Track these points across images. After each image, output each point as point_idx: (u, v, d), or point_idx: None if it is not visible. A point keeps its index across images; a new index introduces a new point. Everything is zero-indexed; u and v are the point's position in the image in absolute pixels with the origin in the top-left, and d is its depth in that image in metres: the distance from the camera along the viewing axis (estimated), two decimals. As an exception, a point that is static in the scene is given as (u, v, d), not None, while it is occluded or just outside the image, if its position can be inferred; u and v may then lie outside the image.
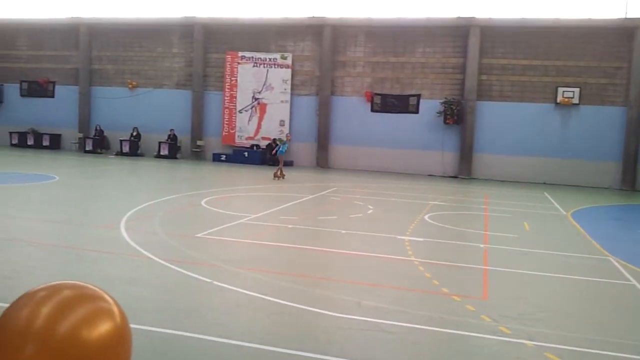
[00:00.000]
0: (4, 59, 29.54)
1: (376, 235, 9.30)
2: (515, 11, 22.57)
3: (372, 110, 24.55)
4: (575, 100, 22.03)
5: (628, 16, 21.54)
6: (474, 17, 22.85)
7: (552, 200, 16.00)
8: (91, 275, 6.13)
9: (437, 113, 23.44)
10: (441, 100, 23.43)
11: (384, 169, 23.90)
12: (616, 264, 7.85)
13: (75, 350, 1.34)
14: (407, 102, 24.25)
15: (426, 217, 11.48)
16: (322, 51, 24.93)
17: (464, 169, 23.25)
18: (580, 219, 12.43)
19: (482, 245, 8.81)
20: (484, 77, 23.19)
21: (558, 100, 22.19)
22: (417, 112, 24.06)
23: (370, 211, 11.92)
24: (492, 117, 23.06)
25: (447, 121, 23.25)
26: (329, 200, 14.01)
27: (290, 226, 9.71)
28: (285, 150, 18.68)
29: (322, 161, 24.88)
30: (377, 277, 6.69)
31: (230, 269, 6.60)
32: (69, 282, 1.57)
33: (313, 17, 24.78)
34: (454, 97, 23.38)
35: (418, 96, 24.09)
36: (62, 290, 1.43)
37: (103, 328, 1.41)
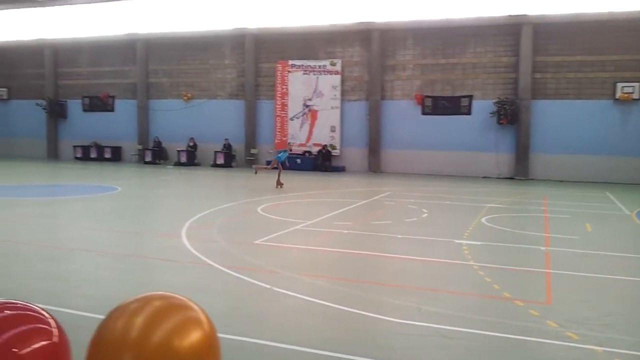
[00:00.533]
0: (67, 76, 31.03)
1: (432, 240, 9.23)
2: (568, 6, 21.87)
3: (423, 113, 24.34)
4: (636, 96, 21.16)
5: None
6: (525, 15, 22.31)
7: (615, 200, 15.40)
8: (156, 282, 6.37)
9: (491, 113, 23.00)
10: (494, 101, 22.98)
11: (437, 172, 23.64)
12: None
13: (169, 359, 1.42)
14: (458, 103, 23.91)
15: (483, 219, 11.29)
16: (370, 56, 24.94)
17: (521, 170, 22.69)
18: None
19: (543, 248, 8.60)
20: (538, 75, 22.59)
21: (617, 96, 21.37)
22: (469, 113, 23.69)
23: (425, 215, 11.83)
24: (548, 116, 22.43)
25: (501, 121, 22.78)
26: (382, 204, 13.99)
27: (345, 231, 9.77)
28: (284, 159, 17.71)
29: (374, 166, 24.84)
30: (436, 282, 6.65)
31: (288, 275, 6.71)
32: (158, 293, 1.66)
33: (361, 22, 24.83)
34: (508, 97, 22.89)
35: (470, 97, 23.72)
36: (153, 301, 1.52)
37: (194, 336, 1.48)
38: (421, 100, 24.33)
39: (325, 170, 24.40)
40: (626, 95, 21.20)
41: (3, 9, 31.79)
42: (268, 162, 25.78)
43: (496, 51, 23.41)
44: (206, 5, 27.38)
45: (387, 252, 8.31)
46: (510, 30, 22.88)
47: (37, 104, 30.79)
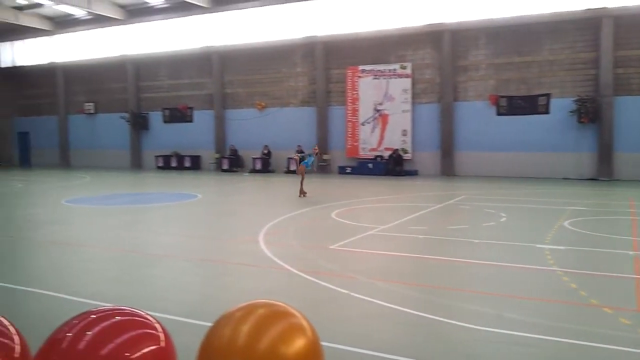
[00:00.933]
0: (148, 90, 32.65)
1: (512, 244, 9.00)
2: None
3: (498, 113, 23.70)
4: None
5: None
6: (605, 7, 21.27)
7: None
8: (237, 287, 6.62)
9: (570, 112, 22.07)
10: (574, 98, 22.03)
11: (514, 174, 22.93)
12: None
13: None
14: (535, 102, 23.11)
15: (566, 223, 10.86)
16: (442, 57, 24.60)
17: (604, 171, 21.60)
18: None
19: (632, 253, 8.17)
20: (620, 70, 21.46)
21: None
22: (547, 112, 22.84)
23: (503, 219, 11.53)
24: (633, 112, 21.25)
25: (582, 120, 21.80)
26: (458, 209, 13.75)
27: (420, 236, 9.71)
28: (312, 163, 16.43)
29: (447, 169, 24.43)
30: (516, 287, 6.49)
31: (364, 280, 6.77)
32: (261, 301, 1.75)
33: (431, 24, 24.56)
34: (588, 94, 21.87)
35: (547, 96, 22.86)
36: (257, 309, 1.62)
37: (299, 343, 1.56)
38: (496, 101, 23.70)
39: (398, 175, 24.25)
40: None
41: (89, 29, 33.93)
42: (290, 170, 26.11)
43: (574, 47, 22.44)
44: (277, 16, 28.02)
45: (464, 257, 8.18)
46: (588, 25, 21.88)
47: (121, 117, 32.58)
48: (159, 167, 31.16)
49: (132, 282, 6.99)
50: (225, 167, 28.63)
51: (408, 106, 25.31)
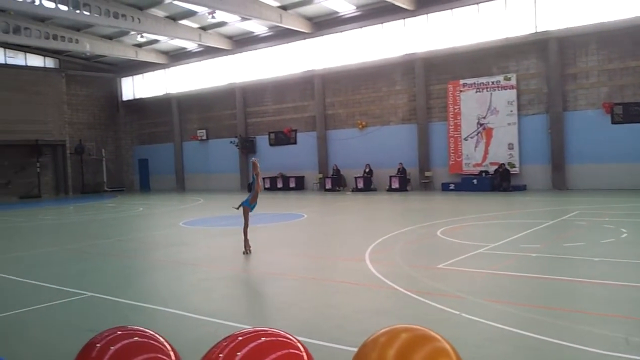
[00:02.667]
0: (255, 115, 34.22)
1: (636, 262, 8.42)
2: None
3: (613, 122, 22.24)
4: None
5: None
6: None
7: None
8: (349, 306, 6.77)
9: (699, 117, 20.21)
10: (702, 102, 20.17)
11: (633, 187, 21.32)
12: None
13: None
14: (656, 108, 21.43)
15: (698, 239, 9.98)
16: (548, 66, 23.59)
17: None
18: None
19: None
20: None
21: None
22: (671, 118, 21.07)
23: (624, 235, 10.80)
24: None
25: None
26: (572, 224, 13.06)
27: (533, 255, 9.35)
28: (252, 196, 10.79)
29: (559, 182, 23.23)
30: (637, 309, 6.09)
31: (475, 300, 6.66)
32: (403, 325, 1.84)
33: (535, 32, 23.68)
34: None
35: (670, 100, 21.12)
36: (400, 333, 1.71)
37: None
38: (610, 109, 22.27)
39: (505, 190, 23.41)
40: None
41: (200, 60, 36.27)
42: (392, 188, 25.57)
43: (700, 45, 20.61)
44: (376, 36, 28.36)
45: (582, 276, 7.79)
46: None
47: (231, 142, 34.33)
48: (265, 189, 32.37)
49: (248, 300, 7.38)
50: (328, 186, 29.20)
51: (514, 118, 24.45)
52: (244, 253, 10.60)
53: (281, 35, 31.15)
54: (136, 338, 1.93)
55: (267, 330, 1.89)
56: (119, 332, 1.92)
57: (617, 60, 22.27)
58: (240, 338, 1.81)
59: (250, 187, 12.26)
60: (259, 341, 1.82)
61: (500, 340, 5.29)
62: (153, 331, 1.96)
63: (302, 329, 5.68)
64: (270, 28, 31.32)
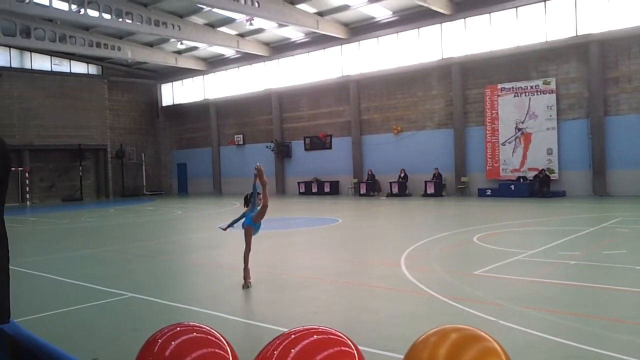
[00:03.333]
0: (291, 120, 34.53)
1: (679, 272, 8.20)
2: None
3: (660, 127, 21.59)
4: None
5: None
6: None
7: None
8: (381, 310, 6.81)
9: None
10: None
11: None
12: None
13: None
14: (702, 112, 20.74)
15: None
16: (589, 70, 23.09)
17: None
18: None
19: None
20: None
21: None
22: None
23: (665, 244, 10.51)
24: None
25: None
26: (614, 232, 12.76)
27: (572, 262, 9.20)
28: (255, 214, 8.54)
29: (599, 189, 22.68)
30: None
31: (513, 307, 6.61)
32: (452, 325, 1.91)
33: (576, 36, 23.22)
34: None
35: None
36: (450, 333, 1.79)
37: None
38: (656, 113, 21.65)
39: (543, 196, 22.98)
40: None
41: (238, 67, 36.83)
42: (427, 193, 25.23)
43: None
44: (412, 41, 28.28)
45: (624, 285, 7.63)
46: None
47: (267, 147, 34.71)
48: (300, 193, 32.60)
49: (283, 303, 7.50)
50: (362, 191, 29.21)
51: (553, 123, 24.01)
52: (243, 287, 8.31)
53: (317, 41, 31.39)
54: (195, 334, 2.04)
55: (318, 328, 1.96)
56: (179, 328, 2.04)
57: (661, 64, 21.66)
58: (293, 336, 1.89)
59: (248, 200, 8.70)
60: (312, 339, 1.88)
61: (538, 348, 5.26)
62: (209, 327, 2.07)
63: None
64: (307, 34, 31.59)
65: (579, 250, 10.32)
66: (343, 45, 30.91)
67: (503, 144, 25.43)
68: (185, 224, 19.76)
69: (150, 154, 42.25)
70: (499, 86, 25.52)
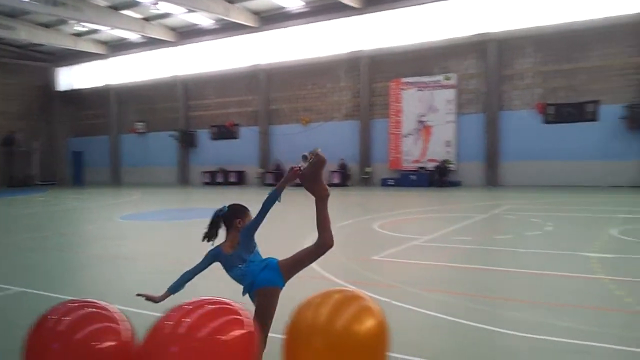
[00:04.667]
0: (197, 108, 33.68)
1: (558, 253, 8.86)
2: None
3: (545, 122, 23.28)
4: None
5: None
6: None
7: None
8: (281, 297, 6.77)
9: (620, 119, 21.46)
10: (624, 105, 21.42)
11: (561, 183, 22.41)
12: None
13: (350, 341, 1.72)
14: (583, 110, 22.63)
15: (615, 231, 10.60)
16: (487, 67, 24.42)
17: (658, 178, 20.86)
18: None
19: (685, 261, 7.93)
20: (675, 74, 20.77)
21: None
22: (596, 119, 22.29)
23: (549, 228, 11.34)
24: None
25: (632, 126, 21.17)
26: (503, 218, 13.59)
27: (465, 246, 9.68)
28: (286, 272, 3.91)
29: (493, 179, 24.11)
30: (565, 296, 6.43)
31: (408, 289, 6.82)
32: (337, 288, 1.98)
33: (476, 34, 24.44)
34: (639, 100, 21.25)
35: (597, 102, 22.31)
36: (333, 294, 1.84)
37: (369, 322, 1.77)
38: (543, 109, 23.31)
39: (442, 186, 24.09)
40: None
41: (142, 52, 35.32)
42: (333, 183, 25.98)
43: (626, 52, 21.88)
44: (322, 32, 28.49)
45: (510, 266, 8.13)
46: (640, 29, 21.31)
47: (170, 135, 33.65)
48: (205, 183, 31.96)
49: (183, 293, 7.25)
50: (269, 181, 29.13)
51: (452, 117, 25.17)
52: None
53: (227, 28, 30.81)
54: (88, 309, 1.95)
55: (211, 299, 1.96)
56: (72, 305, 1.93)
57: (551, 63, 23.31)
58: (186, 307, 1.89)
59: (230, 221, 3.86)
60: (205, 309, 1.90)
61: (433, 327, 5.45)
62: (106, 303, 1.98)
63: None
64: (216, 21, 30.91)
65: (471, 235, 10.87)
66: (253, 34, 30.56)
67: (405, 136, 26.32)
68: (81, 215, 18.71)
69: (44, 141, 39.56)
70: (404, 80, 26.35)
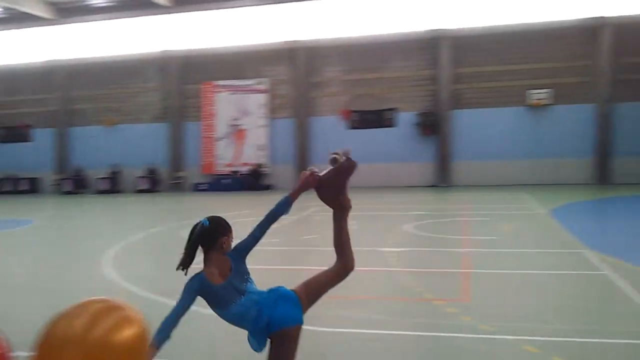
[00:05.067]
0: (-22, 106, 29.46)
1: (359, 250, 9.26)
2: (483, 19, 23.03)
3: (350, 127, 24.78)
4: (548, 101, 22.52)
5: (591, 16, 22.04)
6: (443, 29, 23.28)
7: (531, 200, 16.22)
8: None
9: (414, 125, 23.73)
10: (417, 112, 23.74)
11: (364, 184, 23.89)
12: (590, 255, 7.97)
13: (106, 352, 1.56)
14: (383, 116, 24.56)
15: (408, 227, 11.57)
16: (297, 74, 25.22)
17: (443, 178, 23.49)
18: (559, 216, 12.61)
19: (463, 250, 8.89)
20: (457, 86, 23.57)
21: (530, 103, 22.64)
22: (394, 125, 24.34)
23: (353, 227, 11.94)
24: (468, 124, 23.40)
25: (424, 132, 23.55)
26: (311, 219, 14.04)
27: (274, 248, 9.73)
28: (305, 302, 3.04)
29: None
30: (361, 289, 6.71)
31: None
32: (96, 297, 1.81)
33: (287, 41, 25.11)
34: (429, 109, 23.71)
35: (394, 110, 24.39)
36: (91, 304, 1.65)
37: (127, 332, 1.61)
38: (347, 115, 24.78)
39: (256, 189, 24.28)
40: (539, 101, 22.52)
41: None
42: (141, 189, 25.31)
43: (418, 65, 24.24)
44: (131, 29, 26.89)
45: (314, 264, 8.28)
46: (430, 44, 23.80)
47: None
48: (-8, 192, 28.09)
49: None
50: (67, 188, 26.57)
51: (265, 121, 25.53)
52: None
53: (18, 18, 27.43)
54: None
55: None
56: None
57: (355, 72, 24.90)
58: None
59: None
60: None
61: (228, 334, 5.25)
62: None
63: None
64: (4, 9, 27.36)
65: (280, 237, 10.98)
66: (49, 27, 27.66)
67: (219, 140, 26.03)
68: None
69: None
70: (216, 83, 26.05)
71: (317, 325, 5.19)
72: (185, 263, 2.87)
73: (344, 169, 3.12)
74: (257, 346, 2.83)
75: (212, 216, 2.94)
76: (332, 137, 24.88)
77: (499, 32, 22.91)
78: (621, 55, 21.84)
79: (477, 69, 23.51)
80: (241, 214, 15.40)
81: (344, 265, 3.18)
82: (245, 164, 25.47)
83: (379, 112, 24.65)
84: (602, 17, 21.85)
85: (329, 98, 25.38)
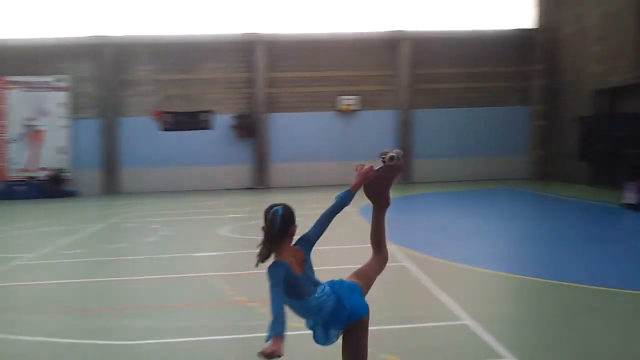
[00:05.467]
0: None
1: (172, 256, 9.14)
2: (297, 27, 23.96)
3: (163, 129, 24.00)
4: (355, 107, 24.22)
5: (393, 29, 24.29)
6: (259, 33, 23.71)
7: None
8: None
9: (231, 127, 23.85)
10: (233, 115, 23.89)
11: (180, 188, 23.47)
12: (394, 249, 8.85)
13: None
14: (199, 118, 24.23)
15: (224, 230, 11.62)
16: (103, 71, 23.64)
17: (261, 180, 23.98)
18: (365, 213, 13.69)
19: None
20: (272, 90, 24.20)
21: (340, 108, 24.18)
22: (210, 127, 24.17)
23: (166, 233, 11.61)
24: (284, 127, 24.16)
25: (241, 134, 23.80)
26: (120, 227, 13.34)
27: (79, 260, 9.06)
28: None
29: (112, 187, 23.53)
30: (174, 297, 6.62)
31: (21, 317, 5.96)
32: None
33: (92, 36, 23.39)
34: (246, 111, 24.01)
35: (210, 112, 24.21)
36: None
37: None
38: (160, 116, 23.96)
39: (57, 196, 22.20)
40: (347, 106, 24.16)
41: None
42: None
43: (234, 67, 24.31)
44: None
45: (126, 275, 7.96)
46: (245, 48, 24.02)
47: None
48: None
49: None
50: None
51: (66, 122, 23.49)
52: None
53: None
54: None
55: None
56: None
57: (167, 72, 24.08)
58: None
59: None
60: None
61: (35, 354, 4.83)
62: None
63: None
64: None
65: (86, 247, 10.25)
66: None
67: (11, 142, 23.31)
68: None
69: None
70: (8, 79, 23.31)
71: (129, 339, 5.01)
72: (265, 256, 2.85)
73: (397, 168, 3.32)
74: (327, 339, 2.88)
75: (280, 203, 3.02)
76: (145, 139, 23.84)
77: (311, 40, 24.01)
78: (418, 66, 24.41)
79: (291, 74, 24.35)
80: (41, 224, 14.02)
81: (384, 257, 3.44)
82: (44, 169, 23.10)
83: (194, 114, 24.19)
84: (402, 31, 24.18)
85: (140, 98, 24.20)
